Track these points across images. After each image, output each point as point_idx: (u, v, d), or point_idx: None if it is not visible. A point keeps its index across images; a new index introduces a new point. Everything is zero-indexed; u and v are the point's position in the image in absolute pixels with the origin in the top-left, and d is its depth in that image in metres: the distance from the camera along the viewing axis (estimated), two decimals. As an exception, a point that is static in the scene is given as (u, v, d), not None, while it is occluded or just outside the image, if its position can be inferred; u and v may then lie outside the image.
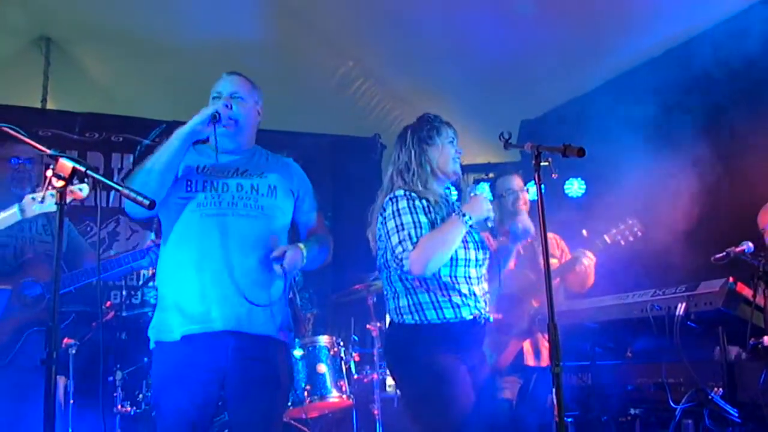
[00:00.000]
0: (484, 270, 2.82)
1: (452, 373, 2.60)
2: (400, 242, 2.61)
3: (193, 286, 2.51)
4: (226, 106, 2.62)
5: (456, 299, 2.67)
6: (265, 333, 2.56)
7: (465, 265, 2.71)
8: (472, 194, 2.82)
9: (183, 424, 2.45)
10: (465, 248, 2.72)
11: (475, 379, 2.68)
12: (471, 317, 2.68)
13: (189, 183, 2.61)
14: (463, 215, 2.67)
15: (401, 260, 2.60)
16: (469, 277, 2.72)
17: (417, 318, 2.68)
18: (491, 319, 2.77)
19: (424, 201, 2.72)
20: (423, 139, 2.84)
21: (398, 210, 2.67)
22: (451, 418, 2.57)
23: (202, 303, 2.50)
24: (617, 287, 3.49)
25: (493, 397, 2.84)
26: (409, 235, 2.61)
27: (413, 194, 2.72)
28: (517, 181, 4.11)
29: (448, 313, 2.66)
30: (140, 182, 2.46)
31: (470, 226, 2.68)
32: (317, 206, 2.88)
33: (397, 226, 2.65)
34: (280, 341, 2.63)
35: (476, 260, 2.75)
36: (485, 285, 2.82)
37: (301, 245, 2.64)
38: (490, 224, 2.79)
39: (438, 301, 2.67)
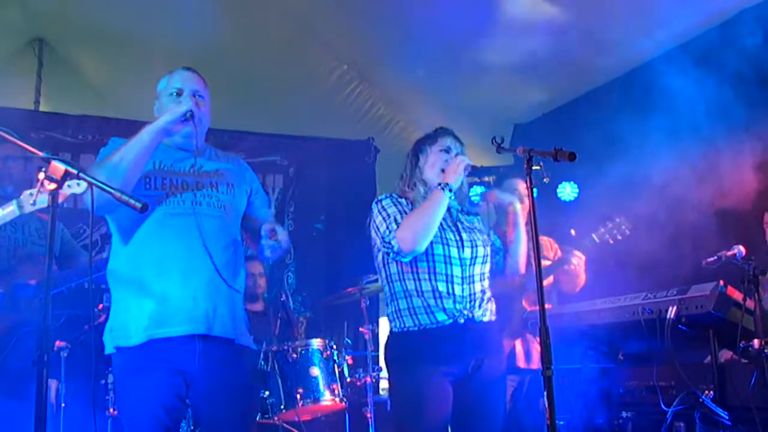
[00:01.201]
0: (479, 269, 2.76)
1: (424, 387, 2.60)
2: (387, 227, 2.66)
3: (158, 288, 2.41)
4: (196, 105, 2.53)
5: (431, 302, 2.66)
6: (230, 336, 2.50)
7: (446, 262, 2.69)
8: (445, 161, 2.80)
9: (159, 430, 2.37)
10: (445, 245, 2.70)
11: (474, 384, 2.67)
12: (450, 320, 2.65)
13: (148, 180, 2.51)
14: (440, 186, 2.67)
15: (389, 243, 2.63)
16: (451, 275, 2.69)
17: (398, 325, 2.72)
18: (477, 319, 2.69)
19: (404, 200, 2.80)
20: (417, 149, 2.90)
21: (383, 206, 2.75)
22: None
23: (168, 305, 2.40)
24: (609, 290, 3.50)
25: (498, 401, 2.75)
26: (395, 219, 2.68)
27: (395, 195, 2.81)
28: (522, 185, 4.16)
29: (423, 319, 2.66)
30: (106, 177, 2.23)
31: (451, 195, 2.68)
32: (268, 201, 2.82)
33: (384, 218, 2.70)
34: (244, 346, 2.57)
35: (460, 258, 2.71)
36: (479, 285, 2.75)
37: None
38: (469, 166, 2.75)
39: (414, 307, 2.68)
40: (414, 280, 2.69)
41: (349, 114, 6.32)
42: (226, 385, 2.46)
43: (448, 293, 2.67)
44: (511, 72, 5.33)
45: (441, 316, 2.65)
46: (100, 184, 1.94)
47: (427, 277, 2.68)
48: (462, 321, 2.66)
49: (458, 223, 2.82)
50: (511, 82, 5.46)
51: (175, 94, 2.60)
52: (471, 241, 2.77)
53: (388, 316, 2.78)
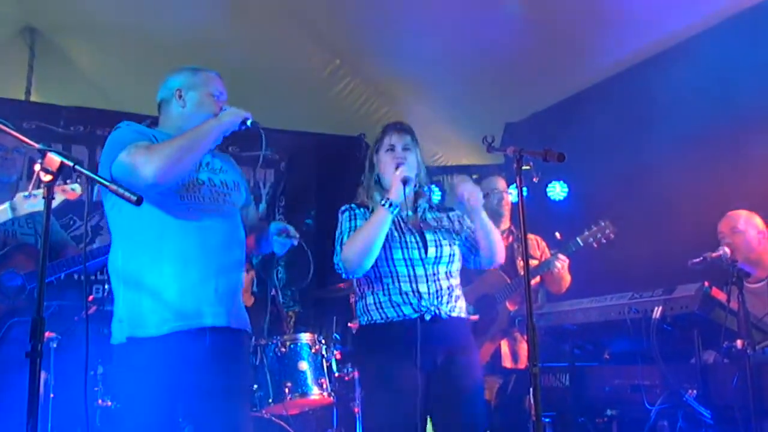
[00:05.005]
0: (444, 268, 2.78)
1: (390, 375, 2.66)
2: (338, 247, 2.75)
3: (180, 282, 2.44)
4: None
5: (396, 298, 2.72)
6: (242, 327, 2.59)
7: (407, 265, 2.74)
8: (395, 158, 2.81)
9: (168, 424, 2.40)
10: (405, 248, 2.75)
11: (447, 377, 2.70)
12: (416, 315, 2.70)
13: None
14: (383, 203, 2.69)
15: (337, 264, 2.73)
16: (414, 276, 2.73)
17: (366, 319, 2.79)
18: (445, 315, 2.72)
19: (362, 210, 2.83)
20: (369, 156, 2.93)
21: (340, 223, 2.83)
22: (371, 421, 2.69)
23: (190, 299, 2.44)
24: (595, 290, 3.54)
25: (476, 392, 2.76)
26: (342, 240, 2.76)
27: (354, 205, 2.85)
28: (501, 183, 4.21)
29: (390, 312, 2.72)
30: (170, 155, 2.34)
31: (396, 211, 2.69)
32: (253, 199, 2.87)
33: (337, 235, 2.80)
34: (249, 333, 2.67)
35: (422, 259, 2.75)
36: (446, 282, 2.78)
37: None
38: (414, 184, 2.75)
39: (380, 302, 2.75)
40: (380, 281, 2.76)
41: (342, 109, 6.32)
42: (230, 373, 2.50)
43: (413, 292, 2.72)
44: (503, 70, 5.35)
45: (407, 310, 2.71)
46: (98, 178, 1.95)
47: (390, 280, 2.74)
48: (428, 317, 2.71)
49: (422, 223, 2.84)
50: (503, 80, 5.48)
51: (216, 96, 2.62)
52: (435, 240, 2.80)
53: (357, 311, 2.85)
